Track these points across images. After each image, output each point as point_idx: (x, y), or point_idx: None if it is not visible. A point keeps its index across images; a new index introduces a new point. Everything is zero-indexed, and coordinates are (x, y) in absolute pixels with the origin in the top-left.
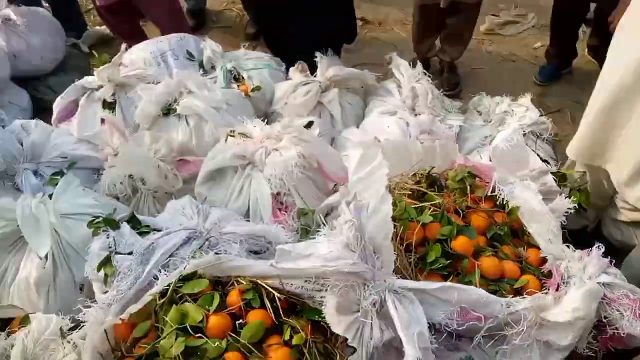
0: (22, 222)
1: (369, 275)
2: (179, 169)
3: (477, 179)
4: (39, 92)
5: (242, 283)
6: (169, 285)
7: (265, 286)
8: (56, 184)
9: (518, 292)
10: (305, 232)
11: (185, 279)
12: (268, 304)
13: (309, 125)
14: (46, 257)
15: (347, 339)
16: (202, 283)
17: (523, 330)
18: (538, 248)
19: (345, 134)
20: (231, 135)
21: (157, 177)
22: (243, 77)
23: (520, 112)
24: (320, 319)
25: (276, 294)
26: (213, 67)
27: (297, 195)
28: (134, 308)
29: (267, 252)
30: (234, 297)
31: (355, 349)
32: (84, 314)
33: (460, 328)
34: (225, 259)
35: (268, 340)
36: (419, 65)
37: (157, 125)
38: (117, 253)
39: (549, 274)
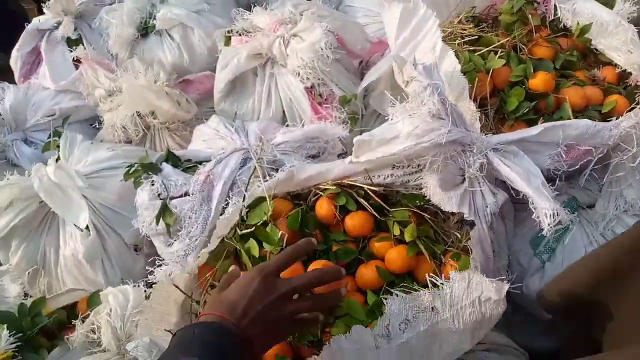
0: (46, 195)
1: (468, 139)
2: (185, 92)
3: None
4: None
5: (322, 192)
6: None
7: (357, 184)
8: (58, 146)
9: (606, 117)
10: (354, 121)
11: (252, 206)
12: (365, 203)
13: None
14: (87, 227)
15: (458, 218)
16: (282, 204)
17: (632, 150)
18: (612, 65)
19: (347, 1)
20: (230, 36)
21: (170, 105)
22: None
23: None
24: (421, 204)
25: (368, 189)
26: None
27: (332, 82)
28: (209, 249)
29: (324, 153)
30: (324, 206)
31: (473, 222)
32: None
33: (570, 169)
34: (298, 170)
35: (374, 242)
36: None
37: (138, 49)
38: (171, 198)
39: (634, 89)
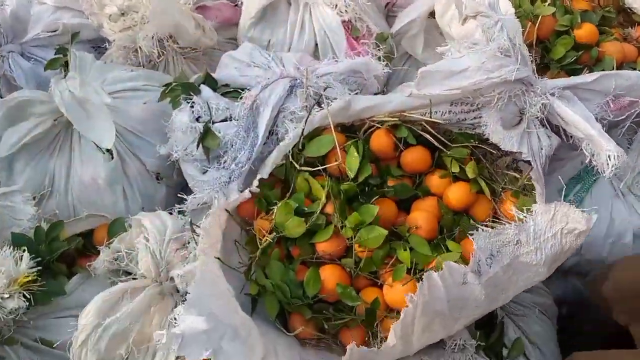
0: (68, 111)
1: (532, 79)
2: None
3: None
4: None
5: (379, 125)
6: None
7: (417, 118)
8: (64, 64)
9: None
10: (390, 60)
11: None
12: (429, 138)
13: None
14: (108, 150)
15: (510, 160)
16: (326, 140)
17: None
18: None
19: None
20: None
21: (195, 29)
22: None
23: None
24: (476, 144)
25: (427, 124)
26: None
27: (369, 19)
28: (263, 175)
29: (363, 90)
30: (382, 139)
31: (525, 164)
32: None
33: (616, 119)
34: (355, 100)
35: (432, 178)
36: None
37: None
38: (212, 122)
39: None
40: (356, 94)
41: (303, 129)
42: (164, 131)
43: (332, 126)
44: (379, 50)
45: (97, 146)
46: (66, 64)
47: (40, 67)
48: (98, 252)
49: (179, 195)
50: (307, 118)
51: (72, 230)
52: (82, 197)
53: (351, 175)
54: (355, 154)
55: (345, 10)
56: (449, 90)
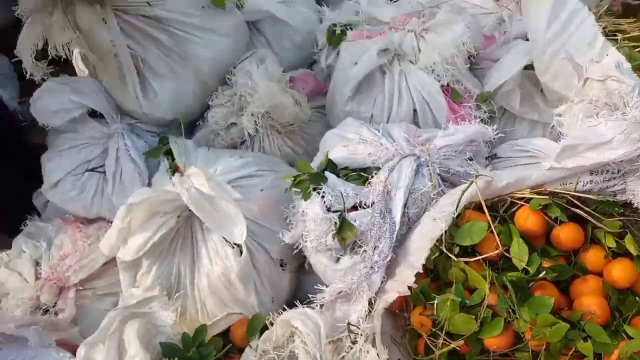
0: (197, 209)
1: None
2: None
3: None
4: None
5: (521, 202)
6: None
7: (564, 193)
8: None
9: None
10: (493, 120)
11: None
12: (583, 214)
13: None
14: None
15: None
16: (479, 226)
17: None
18: None
19: None
20: (335, 30)
21: (294, 107)
22: None
23: None
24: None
25: (573, 197)
26: None
27: (466, 79)
28: (418, 266)
29: (477, 156)
30: (531, 219)
31: None
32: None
33: None
34: (497, 178)
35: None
36: None
37: None
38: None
39: None
40: (471, 159)
41: (455, 214)
42: (282, 216)
43: (485, 210)
44: (482, 111)
45: (226, 241)
46: (167, 152)
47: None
48: (238, 351)
49: (316, 287)
50: (459, 201)
51: (213, 332)
52: (212, 294)
53: (521, 265)
54: (521, 242)
55: (444, 75)
56: (595, 163)
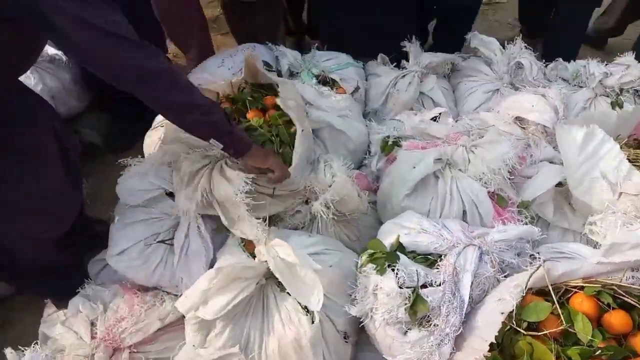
0: (282, 276)
1: None
2: None
3: None
4: (79, 133)
5: (575, 289)
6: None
7: (613, 283)
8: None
9: None
10: (531, 223)
11: None
12: (634, 302)
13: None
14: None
15: None
16: (544, 307)
17: None
18: None
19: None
20: (388, 141)
21: (358, 199)
22: (333, 80)
23: (618, 70)
24: None
25: (620, 288)
26: (292, 74)
27: (509, 188)
28: (489, 339)
29: (522, 255)
30: (585, 304)
31: None
32: None
33: None
34: (554, 267)
35: (638, 340)
36: (519, 39)
37: None
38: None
39: None
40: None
41: (524, 294)
42: (347, 292)
43: (552, 294)
44: (524, 217)
45: (299, 308)
46: None
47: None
48: None
49: None
50: (527, 284)
51: None
52: (280, 359)
53: (586, 339)
54: (585, 319)
55: (491, 182)
56: (637, 260)
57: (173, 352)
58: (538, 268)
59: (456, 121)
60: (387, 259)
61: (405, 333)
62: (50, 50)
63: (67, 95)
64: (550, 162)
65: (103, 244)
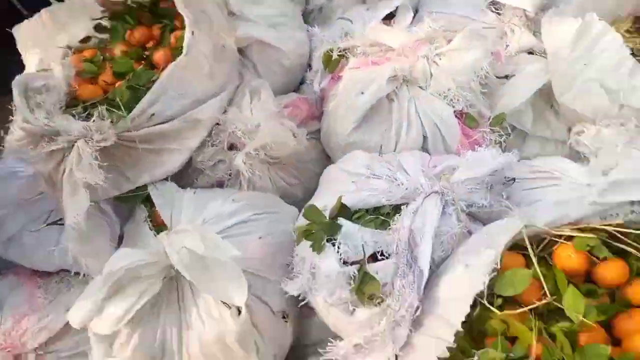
0: (191, 273)
1: None
2: None
3: None
4: None
5: (560, 240)
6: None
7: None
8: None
9: None
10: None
11: None
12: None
13: None
14: None
15: None
16: (522, 276)
17: None
18: None
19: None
20: (331, 55)
21: (294, 141)
22: None
23: None
24: None
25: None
26: None
27: (480, 103)
28: (456, 321)
29: (495, 185)
30: (572, 258)
31: None
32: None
33: None
34: (535, 215)
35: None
36: None
37: None
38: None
39: None
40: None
41: (499, 265)
42: (283, 264)
43: (533, 257)
44: (498, 135)
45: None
46: (146, 199)
47: None
48: None
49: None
50: (502, 253)
51: None
52: (205, 359)
53: (577, 318)
54: (575, 291)
55: (458, 100)
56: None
57: (88, 345)
58: (511, 229)
59: (415, 26)
60: (325, 231)
61: (352, 312)
62: None
63: None
64: (530, 53)
65: None
